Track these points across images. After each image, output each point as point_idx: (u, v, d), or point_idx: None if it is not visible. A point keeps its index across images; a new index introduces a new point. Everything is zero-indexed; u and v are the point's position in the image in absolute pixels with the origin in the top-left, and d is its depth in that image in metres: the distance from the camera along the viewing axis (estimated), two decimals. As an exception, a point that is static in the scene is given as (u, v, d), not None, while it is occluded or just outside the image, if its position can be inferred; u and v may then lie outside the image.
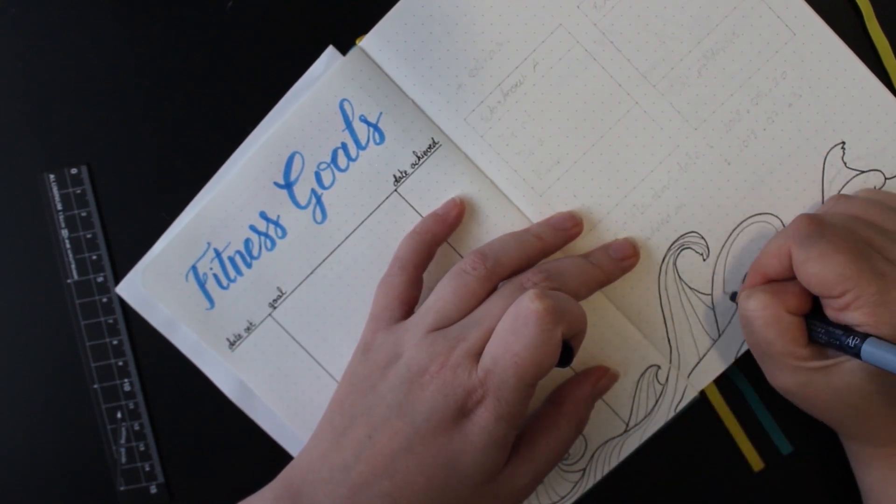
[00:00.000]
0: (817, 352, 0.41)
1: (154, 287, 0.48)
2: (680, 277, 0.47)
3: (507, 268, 0.43)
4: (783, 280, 0.42)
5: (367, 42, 0.47)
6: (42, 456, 0.51)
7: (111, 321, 0.50)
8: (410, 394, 0.40)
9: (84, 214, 0.50)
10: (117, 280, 0.50)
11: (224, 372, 0.49)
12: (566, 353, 0.40)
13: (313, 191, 0.47)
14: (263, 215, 0.48)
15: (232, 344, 0.48)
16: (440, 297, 0.42)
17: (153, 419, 0.51)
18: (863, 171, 0.46)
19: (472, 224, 0.47)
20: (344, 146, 0.47)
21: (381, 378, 0.41)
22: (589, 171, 0.47)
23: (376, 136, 0.47)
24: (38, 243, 0.51)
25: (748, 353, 0.46)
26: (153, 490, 0.51)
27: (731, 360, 0.47)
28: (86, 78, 0.50)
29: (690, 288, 0.47)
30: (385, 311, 0.44)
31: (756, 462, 0.49)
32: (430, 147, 0.47)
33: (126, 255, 0.50)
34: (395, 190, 0.47)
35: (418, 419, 0.40)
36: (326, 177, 0.47)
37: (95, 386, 0.51)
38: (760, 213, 0.46)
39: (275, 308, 0.48)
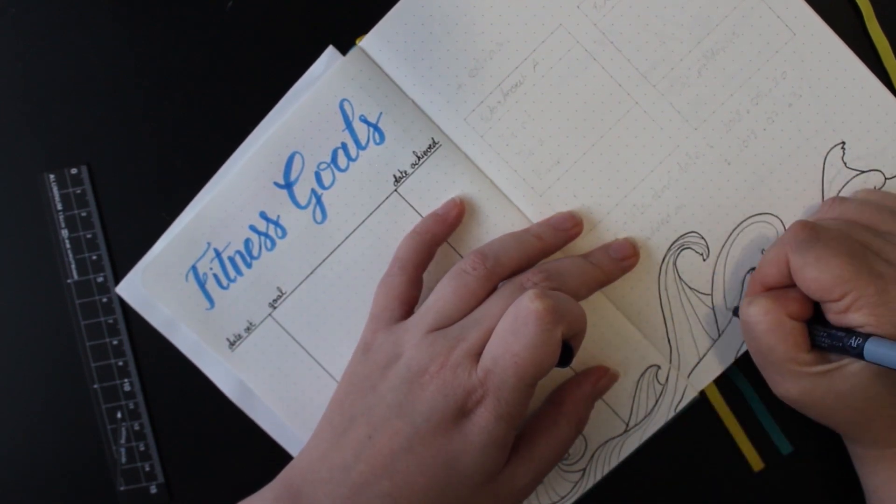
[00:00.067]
0: (819, 357, 0.41)
1: (154, 287, 0.48)
2: (680, 277, 0.47)
3: (507, 268, 0.43)
4: (784, 287, 0.42)
5: (367, 42, 0.47)
6: (42, 456, 0.51)
7: (111, 321, 0.50)
8: (410, 394, 0.40)
9: (84, 214, 0.50)
10: (117, 280, 0.50)
11: (224, 372, 0.49)
12: (566, 353, 0.40)
13: (313, 191, 0.47)
14: (263, 215, 0.48)
15: (232, 344, 0.48)
16: (440, 297, 0.42)
17: (153, 419, 0.51)
18: (863, 171, 0.46)
19: (472, 224, 0.47)
20: (344, 146, 0.47)
21: (381, 378, 0.41)
22: (589, 171, 0.47)
23: (376, 136, 0.47)
24: (38, 243, 0.51)
25: (748, 354, 0.46)
26: (153, 490, 0.51)
27: (731, 360, 0.47)
28: (86, 78, 0.50)
29: (690, 288, 0.47)
30: (385, 311, 0.44)
31: (756, 462, 0.48)
32: (430, 147, 0.47)
33: (126, 255, 0.50)
34: (395, 190, 0.47)
35: (418, 419, 0.40)
36: (326, 177, 0.47)
37: (95, 386, 0.51)
38: (760, 213, 0.46)
39: (275, 308, 0.48)
